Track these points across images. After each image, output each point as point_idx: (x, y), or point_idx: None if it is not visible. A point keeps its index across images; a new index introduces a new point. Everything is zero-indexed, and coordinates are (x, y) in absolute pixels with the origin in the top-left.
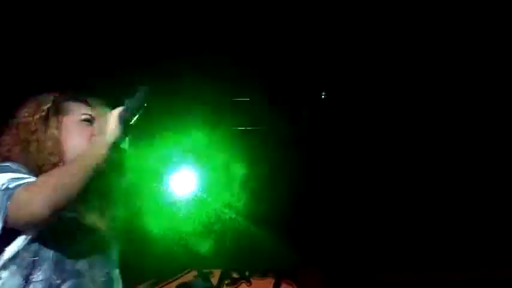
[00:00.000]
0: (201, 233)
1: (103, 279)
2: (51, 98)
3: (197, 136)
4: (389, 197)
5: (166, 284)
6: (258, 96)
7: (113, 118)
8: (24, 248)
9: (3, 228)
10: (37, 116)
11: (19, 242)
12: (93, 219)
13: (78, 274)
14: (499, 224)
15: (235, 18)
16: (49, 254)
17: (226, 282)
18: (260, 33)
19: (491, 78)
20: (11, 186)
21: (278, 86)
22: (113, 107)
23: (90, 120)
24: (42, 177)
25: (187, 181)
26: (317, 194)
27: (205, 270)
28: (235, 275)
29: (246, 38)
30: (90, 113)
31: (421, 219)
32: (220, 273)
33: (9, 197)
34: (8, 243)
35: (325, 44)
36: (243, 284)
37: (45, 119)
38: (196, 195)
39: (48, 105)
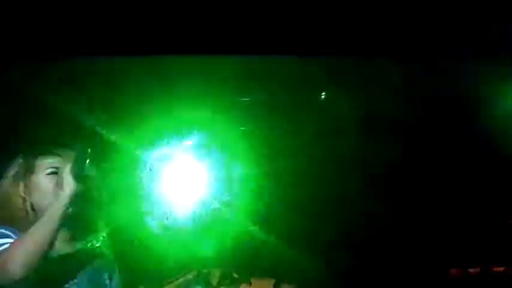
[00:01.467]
0: (201, 233)
1: None
2: (18, 161)
3: (197, 136)
4: (389, 197)
5: (167, 284)
6: (258, 96)
7: (66, 175)
8: None
9: None
10: (6, 181)
11: None
12: (63, 247)
13: None
14: (497, 224)
15: (235, 17)
16: None
17: (226, 282)
18: (260, 33)
19: (490, 81)
20: None
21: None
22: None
23: (56, 172)
24: (16, 242)
25: (186, 181)
26: (318, 194)
27: (205, 270)
28: (235, 275)
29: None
30: (55, 165)
31: (420, 219)
32: (220, 273)
33: None
34: None
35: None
36: (243, 284)
37: (14, 181)
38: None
39: (16, 169)
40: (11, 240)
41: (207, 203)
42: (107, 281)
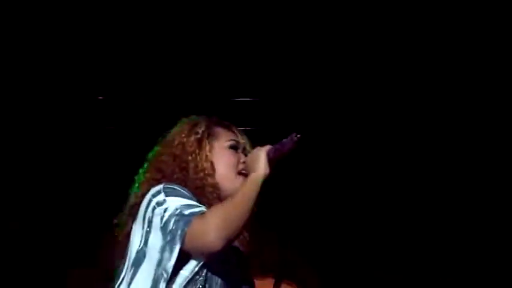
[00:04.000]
0: None
1: None
2: (204, 121)
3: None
4: (388, 198)
5: None
6: (258, 97)
7: (263, 156)
8: (197, 273)
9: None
10: (192, 138)
11: (191, 267)
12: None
13: None
14: (496, 226)
15: (235, 20)
16: (216, 279)
17: None
18: (259, 34)
19: (485, 86)
20: (186, 212)
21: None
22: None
23: (236, 147)
24: (214, 209)
25: None
26: (317, 194)
27: None
28: None
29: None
30: (236, 139)
31: (418, 219)
32: None
33: (186, 224)
34: (181, 267)
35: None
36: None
37: (200, 142)
38: None
39: (202, 128)
40: (203, 208)
41: None
42: None
